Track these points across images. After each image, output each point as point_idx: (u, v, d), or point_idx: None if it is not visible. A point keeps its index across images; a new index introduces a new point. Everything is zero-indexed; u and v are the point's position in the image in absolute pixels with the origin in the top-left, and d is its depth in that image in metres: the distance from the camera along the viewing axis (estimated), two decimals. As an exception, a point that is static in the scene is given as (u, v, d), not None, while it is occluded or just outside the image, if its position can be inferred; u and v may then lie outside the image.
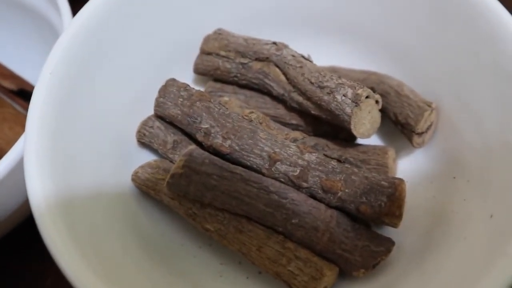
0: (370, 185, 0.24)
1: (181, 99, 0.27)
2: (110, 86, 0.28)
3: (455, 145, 0.27)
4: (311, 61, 0.28)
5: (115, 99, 0.28)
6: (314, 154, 0.25)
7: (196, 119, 0.26)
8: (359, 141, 0.29)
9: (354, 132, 0.26)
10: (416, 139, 0.27)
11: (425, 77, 0.29)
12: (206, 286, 0.26)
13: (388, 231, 0.26)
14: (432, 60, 0.28)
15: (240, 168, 0.25)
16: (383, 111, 0.27)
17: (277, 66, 0.29)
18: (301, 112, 0.29)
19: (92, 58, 0.27)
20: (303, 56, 0.28)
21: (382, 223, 0.24)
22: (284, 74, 0.28)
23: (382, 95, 0.28)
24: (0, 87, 0.37)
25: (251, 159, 0.25)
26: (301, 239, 0.24)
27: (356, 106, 0.25)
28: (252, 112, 0.27)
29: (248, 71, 0.29)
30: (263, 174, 0.25)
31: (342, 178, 0.24)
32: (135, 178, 0.28)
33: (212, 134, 0.26)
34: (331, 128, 0.28)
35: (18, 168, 0.26)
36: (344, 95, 0.25)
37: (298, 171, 0.25)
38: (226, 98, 0.30)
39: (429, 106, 0.27)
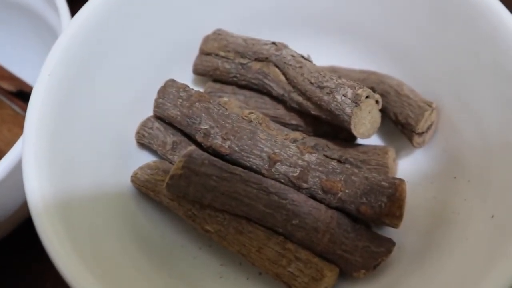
0: (370, 185, 0.24)
1: (180, 100, 0.27)
2: (110, 86, 0.28)
3: (455, 145, 0.27)
4: (310, 61, 0.28)
5: (115, 99, 0.28)
6: (314, 154, 0.25)
7: (196, 120, 0.26)
8: (359, 141, 0.29)
9: (354, 132, 0.26)
10: (416, 139, 0.27)
11: (425, 77, 0.29)
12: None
13: (389, 232, 0.26)
14: (432, 60, 0.28)
15: (239, 169, 0.25)
16: (383, 111, 0.27)
17: (277, 66, 0.28)
18: (301, 112, 0.29)
19: (92, 59, 0.27)
20: (302, 56, 0.28)
21: (382, 224, 0.24)
22: (284, 74, 0.28)
23: (382, 95, 0.27)
24: (-1, 88, 0.37)
25: (251, 159, 0.25)
26: (301, 240, 0.24)
27: (356, 106, 0.25)
28: (252, 113, 0.27)
29: (248, 71, 0.29)
30: (263, 175, 0.25)
31: (342, 178, 0.24)
32: (135, 179, 0.28)
33: (212, 135, 0.26)
34: (331, 128, 0.28)
35: (17, 169, 0.26)
36: (344, 95, 0.25)
37: (298, 171, 0.24)
38: (225, 99, 0.30)
39: (430, 106, 0.27)
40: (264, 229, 0.24)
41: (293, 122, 0.29)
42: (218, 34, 0.30)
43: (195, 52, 0.31)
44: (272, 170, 0.25)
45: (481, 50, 0.25)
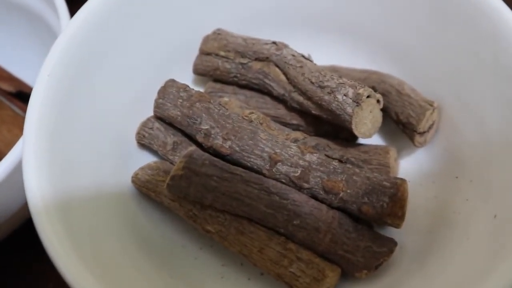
0: (372, 185, 0.24)
1: (180, 100, 0.27)
2: (110, 86, 0.28)
3: (457, 144, 0.27)
4: (311, 61, 0.28)
5: (115, 99, 0.28)
6: (315, 154, 0.25)
7: (196, 120, 0.26)
8: (361, 140, 0.29)
9: (356, 132, 0.26)
10: (417, 138, 0.27)
11: (425, 77, 0.29)
12: (207, 288, 0.26)
13: (390, 232, 0.25)
14: (432, 60, 0.28)
15: (240, 169, 0.25)
16: (384, 110, 0.27)
17: (277, 66, 0.28)
18: (301, 112, 0.29)
19: (91, 59, 0.27)
20: (303, 56, 0.28)
21: (384, 224, 0.24)
22: (284, 74, 0.28)
23: (383, 95, 0.27)
24: (-1, 89, 0.37)
25: (252, 160, 0.25)
26: (302, 240, 0.24)
27: (357, 105, 0.25)
28: (252, 113, 0.27)
29: (248, 71, 0.29)
30: (264, 175, 0.25)
31: (344, 178, 0.24)
32: (135, 180, 0.28)
33: (212, 135, 0.26)
34: (332, 128, 0.28)
35: (18, 170, 0.26)
36: (345, 95, 0.25)
37: (299, 171, 0.24)
38: (226, 99, 0.30)
39: (431, 105, 0.27)
40: (266, 229, 0.24)
41: (294, 122, 0.29)
42: (218, 34, 0.30)
43: (195, 52, 0.31)
44: (273, 170, 0.25)
45: (482, 50, 0.25)
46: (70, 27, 0.27)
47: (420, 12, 0.28)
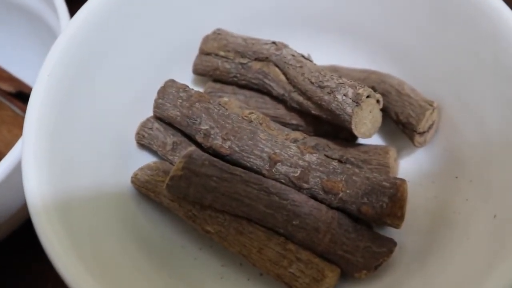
0: (371, 185, 0.24)
1: (180, 100, 0.27)
2: (110, 86, 0.28)
3: (457, 144, 0.27)
4: (311, 61, 0.28)
5: (115, 99, 0.28)
6: (314, 154, 0.25)
7: (196, 120, 0.26)
8: (360, 141, 0.29)
9: (355, 132, 0.26)
10: (417, 138, 0.27)
11: (425, 77, 0.29)
12: (206, 288, 0.26)
13: (390, 232, 0.25)
14: (432, 60, 0.28)
15: (240, 169, 0.25)
16: (384, 110, 0.27)
17: (277, 66, 0.28)
18: (301, 112, 0.29)
19: (91, 59, 0.27)
20: (303, 56, 0.28)
21: (383, 224, 0.24)
22: (284, 74, 0.28)
23: (383, 94, 0.27)
24: (-2, 89, 0.37)
25: (251, 160, 0.25)
26: (302, 240, 0.24)
27: (357, 105, 0.25)
28: (252, 113, 0.27)
29: (248, 71, 0.29)
30: (264, 175, 0.25)
31: (343, 178, 0.24)
32: (135, 180, 0.28)
33: (212, 135, 0.26)
34: (332, 128, 0.28)
35: (17, 171, 0.26)
36: (344, 95, 0.25)
37: (298, 172, 0.24)
38: (225, 99, 0.30)
39: (431, 105, 0.27)
40: (265, 229, 0.24)
41: (294, 122, 0.29)
42: (218, 34, 0.30)
43: (195, 52, 0.31)
44: (273, 170, 0.25)
45: (482, 50, 0.25)
46: (70, 27, 0.27)
47: (420, 12, 0.28)
